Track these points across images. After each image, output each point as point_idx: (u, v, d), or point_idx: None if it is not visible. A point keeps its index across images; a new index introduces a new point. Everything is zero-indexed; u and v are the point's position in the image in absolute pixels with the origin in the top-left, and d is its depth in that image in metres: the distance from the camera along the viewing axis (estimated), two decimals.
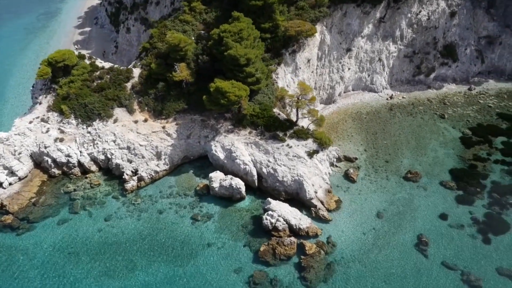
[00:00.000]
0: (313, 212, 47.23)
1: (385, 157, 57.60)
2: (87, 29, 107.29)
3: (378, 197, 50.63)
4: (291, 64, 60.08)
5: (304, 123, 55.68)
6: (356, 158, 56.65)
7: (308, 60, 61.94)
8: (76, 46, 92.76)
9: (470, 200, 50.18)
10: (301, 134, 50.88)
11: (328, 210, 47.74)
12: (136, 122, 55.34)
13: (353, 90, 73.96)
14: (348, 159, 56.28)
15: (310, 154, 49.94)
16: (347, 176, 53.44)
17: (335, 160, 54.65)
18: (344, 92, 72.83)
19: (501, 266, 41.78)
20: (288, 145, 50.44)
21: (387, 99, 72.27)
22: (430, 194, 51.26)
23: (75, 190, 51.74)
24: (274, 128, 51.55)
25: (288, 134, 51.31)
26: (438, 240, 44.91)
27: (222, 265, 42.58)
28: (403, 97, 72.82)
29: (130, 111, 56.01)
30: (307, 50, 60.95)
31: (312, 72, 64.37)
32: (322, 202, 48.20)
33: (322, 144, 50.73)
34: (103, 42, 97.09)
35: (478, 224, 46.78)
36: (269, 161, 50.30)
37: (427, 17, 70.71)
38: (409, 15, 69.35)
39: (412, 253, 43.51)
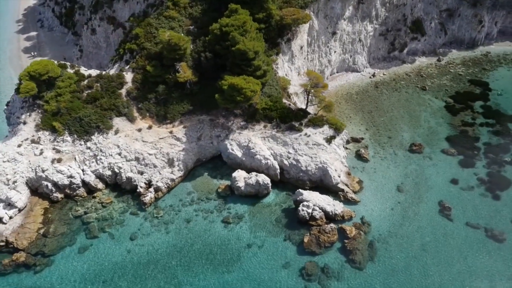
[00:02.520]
0: (341, 196, 48.32)
1: (387, 133, 60.36)
2: (33, 33, 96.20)
3: (393, 173, 53.15)
4: (288, 52, 59.77)
5: (311, 109, 56.09)
6: (362, 138, 58.65)
7: (301, 47, 62.05)
8: (33, 53, 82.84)
9: (471, 163, 54.76)
10: (317, 122, 51.28)
11: (354, 192, 49.18)
12: (140, 130, 51.65)
13: (337, 72, 75.74)
14: (355, 140, 58.05)
15: (328, 140, 50.69)
16: (359, 157, 55.24)
17: (345, 142, 56.04)
18: (330, 75, 74.36)
19: None
20: (306, 134, 50.60)
21: (370, 77, 75.16)
22: (436, 162, 54.96)
23: (86, 212, 47.47)
24: (289, 119, 51.29)
25: (304, 123, 51.40)
26: (456, 203, 48.58)
27: (269, 263, 42.16)
28: (383, 74, 76.24)
29: (131, 120, 52.08)
30: (299, 37, 60.93)
31: (304, 58, 64.65)
32: (347, 185, 49.46)
33: (337, 129, 51.67)
34: (58, 46, 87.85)
35: (485, 184, 51.36)
36: (289, 152, 50.16)
37: None
38: None
39: (439, 219, 46.66)
